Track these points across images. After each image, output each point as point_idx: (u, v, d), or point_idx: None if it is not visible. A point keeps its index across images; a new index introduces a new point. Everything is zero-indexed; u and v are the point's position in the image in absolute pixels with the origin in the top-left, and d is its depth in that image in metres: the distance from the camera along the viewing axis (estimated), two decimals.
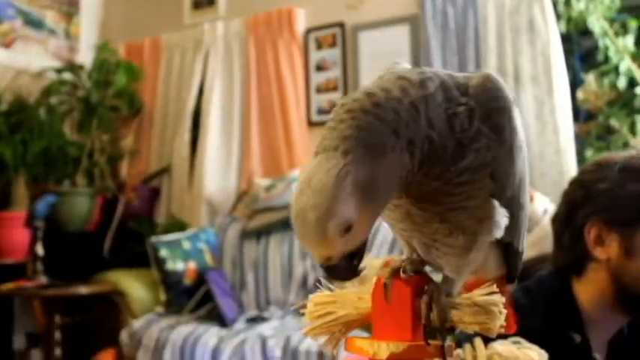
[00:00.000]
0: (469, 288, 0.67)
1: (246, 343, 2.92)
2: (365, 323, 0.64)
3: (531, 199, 2.47)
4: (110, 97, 4.14)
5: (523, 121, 3.28)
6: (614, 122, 2.97)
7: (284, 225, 3.61)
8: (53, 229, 3.77)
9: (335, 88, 3.95)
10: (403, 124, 0.54)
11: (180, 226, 3.93)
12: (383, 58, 3.76)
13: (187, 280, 3.52)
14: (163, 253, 3.51)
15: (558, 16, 3.20)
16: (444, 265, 0.64)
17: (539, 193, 2.84)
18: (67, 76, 4.17)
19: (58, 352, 3.42)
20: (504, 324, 0.58)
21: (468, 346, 0.86)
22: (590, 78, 3.06)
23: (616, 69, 2.98)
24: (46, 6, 4.39)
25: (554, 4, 3.26)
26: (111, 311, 3.43)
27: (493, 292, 0.58)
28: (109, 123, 4.14)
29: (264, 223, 3.62)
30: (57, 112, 4.07)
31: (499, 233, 0.63)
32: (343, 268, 0.55)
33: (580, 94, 3.08)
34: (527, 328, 0.94)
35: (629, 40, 2.95)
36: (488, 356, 0.84)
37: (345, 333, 0.63)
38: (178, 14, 4.51)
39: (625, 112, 2.96)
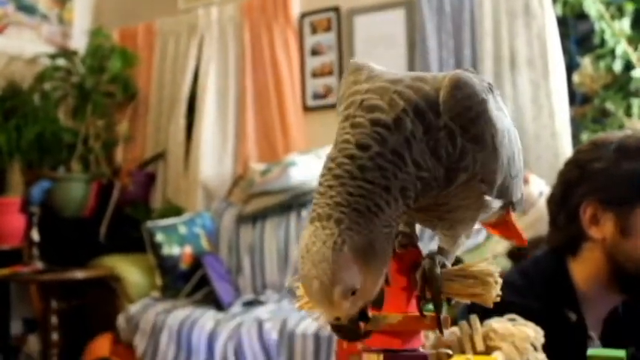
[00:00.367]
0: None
1: (242, 326, 2.93)
2: None
3: (527, 181, 2.48)
4: (104, 82, 4.12)
5: (518, 104, 3.30)
6: (609, 105, 2.96)
7: (280, 209, 3.61)
8: (49, 215, 3.76)
9: (330, 73, 3.94)
10: (392, 178, 0.54)
11: (176, 211, 3.93)
12: (378, 42, 3.75)
13: (183, 265, 3.52)
14: (159, 237, 3.52)
15: (554, 0, 3.19)
16: (439, 239, 0.64)
17: (535, 175, 2.85)
18: (61, 61, 4.14)
19: (55, 336, 3.43)
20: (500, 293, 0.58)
21: (463, 323, 0.86)
22: (586, 61, 3.05)
23: (612, 52, 2.97)
24: None
25: None
26: (107, 296, 3.44)
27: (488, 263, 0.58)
28: (103, 109, 4.12)
29: (260, 207, 3.62)
30: (51, 98, 4.05)
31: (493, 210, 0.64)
32: (348, 329, 0.56)
33: (576, 78, 3.08)
34: (523, 307, 0.94)
35: (625, 23, 2.94)
36: (484, 333, 0.84)
37: None
38: None
39: (621, 95, 2.96)
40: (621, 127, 2.87)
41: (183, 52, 4.32)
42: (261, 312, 3.10)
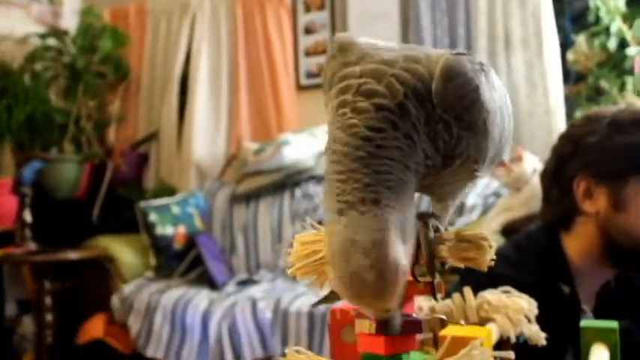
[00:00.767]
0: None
1: (236, 305, 2.93)
2: None
3: (521, 158, 2.48)
4: (96, 62, 4.08)
5: (513, 82, 3.29)
6: (604, 83, 2.96)
7: (273, 188, 3.61)
8: (41, 196, 3.75)
9: (324, 51, 3.91)
10: (408, 157, 0.53)
11: (170, 191, 3.92)
12: (372, 21, 3.72)
13: (177, 245, 3.52)
14: (153, 217, 3.51)
15: None
16: (432, 204, 0.64)
17: (529, 153, 2.84)
18: (52, 41, 4.09)
19: (49, 317, 3.42)
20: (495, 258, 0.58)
21: (457, 294, 0.86)
22: (580, 39, 3.04)
23: (607, 30, 2.96)
24: None
25: None
26: (101, 276, 3.43)
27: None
28: (95, 89, 4.08)
29: (254, 186, 3.62)
30: (42, 79, 4.01)
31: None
32: (399, 321, 0.54)
33: (570, 56, 3.07)
34: (517, 281, 0.94)
35: (620, 1, 2.92)
36: (478, 304, 0.84)
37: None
38: None
39: (615, 73, 2.95)
40: (615, 104, 2.87)
41: (175, 31, 4.28)
42: (255, 291, 3.10)
